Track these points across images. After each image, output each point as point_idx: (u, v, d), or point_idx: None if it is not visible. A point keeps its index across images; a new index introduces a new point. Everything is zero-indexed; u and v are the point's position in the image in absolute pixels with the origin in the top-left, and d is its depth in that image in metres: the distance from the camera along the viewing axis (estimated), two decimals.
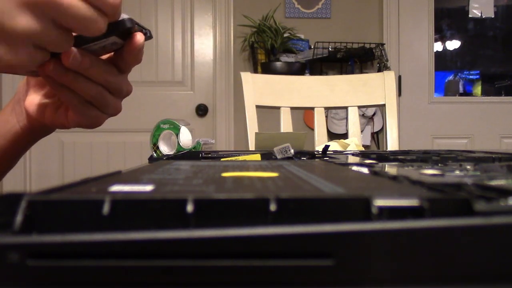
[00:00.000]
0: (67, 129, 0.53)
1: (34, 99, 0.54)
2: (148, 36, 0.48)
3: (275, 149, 0.60)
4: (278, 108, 1.30)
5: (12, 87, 2.50)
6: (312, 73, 2.56)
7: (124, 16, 0.45)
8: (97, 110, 0.50)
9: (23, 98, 0.55)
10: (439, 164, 0.43)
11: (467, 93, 3.13)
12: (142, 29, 0.47)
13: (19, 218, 0.18)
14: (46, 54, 0.43)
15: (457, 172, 0.34)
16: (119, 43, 0.46)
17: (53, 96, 0.54)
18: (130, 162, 2.52)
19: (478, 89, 3.12)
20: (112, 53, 0.49)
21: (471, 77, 3.14)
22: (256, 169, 0.35)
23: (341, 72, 2.64)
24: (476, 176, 0.30)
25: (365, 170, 0.35)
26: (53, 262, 0.17)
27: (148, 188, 0.22)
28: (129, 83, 0.52)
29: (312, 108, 1.32)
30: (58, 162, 2.58)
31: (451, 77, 3.13)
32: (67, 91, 0.48)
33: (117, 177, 0.29)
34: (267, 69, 2.47)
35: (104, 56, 0.49)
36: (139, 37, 0.46)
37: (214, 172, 0.32)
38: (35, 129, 0.57)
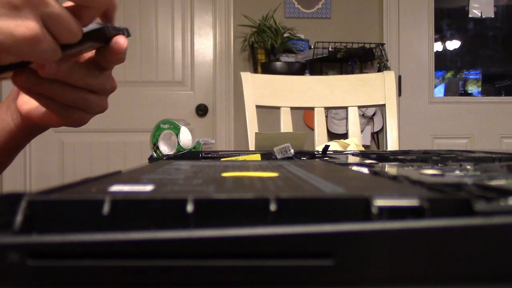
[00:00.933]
0: (58, 127, 0.53)
1: (24, 98, 0.54)
2: (126, 35, 0.47)
3: (275, 149, 0.60)
4: (278, 108, 1.30)
5: (11, 85, 2.50)
6: (312, 73, 2.56)
7: (98, 21, 0.44)
8: (80, 111, 0.49)
9: (17, 97, 0.55)
10: (439, 164, 0.43)
11: (468, 93, 3.13)
12: (118, 31, 0.46)
13: (19, 218, 0.18)
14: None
15: (457, 172, 0.34)
16: (96, 45, 0.46)
17: None
18: (130, 162, 2.52)
19: (474, 86, 3.11)
20: (94, 51, 0.48)
21: (471, 77, 3.14)
22: (256, 169, 0.35)
23: (341, 72, 2.64)
24: (476, 176, 0.30)
25: (365, 170, 0.35)
26: (53, 262, 0.17)
27: (148, 188, 0.22)
28: (113, 80, 0.51)
29: (312, 108, 1.32)
30: (58, 162, 2.58)
31: (451, 77, 3.12)
32: (44, 99, 0.47)
33: (117, 177, 0.29)
34: (267, 69, 2.47)
35: (86, 55, 0.48)
36: (123, 41, 0.45)
37: (214, 172, 0.32)
38: (29, 127, 0.57)
